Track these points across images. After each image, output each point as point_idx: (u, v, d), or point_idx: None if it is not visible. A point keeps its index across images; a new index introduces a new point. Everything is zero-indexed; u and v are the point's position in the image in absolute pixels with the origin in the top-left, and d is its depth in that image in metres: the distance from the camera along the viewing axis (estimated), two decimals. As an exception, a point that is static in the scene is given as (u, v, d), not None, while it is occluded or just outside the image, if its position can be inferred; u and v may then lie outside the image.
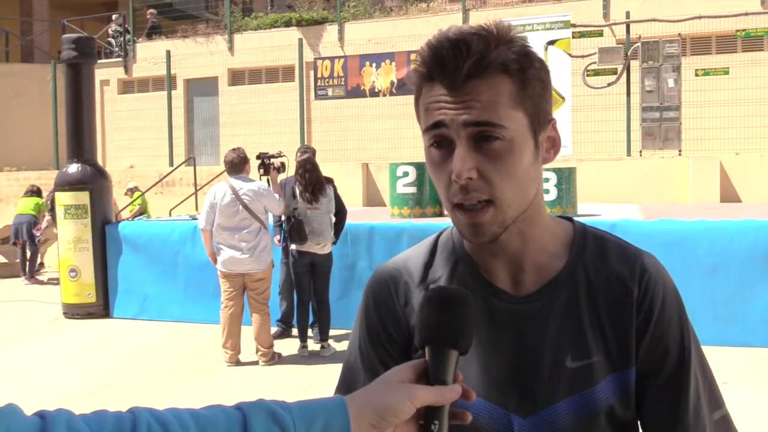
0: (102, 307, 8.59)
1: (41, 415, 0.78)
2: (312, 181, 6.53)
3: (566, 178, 8.21)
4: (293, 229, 6.49)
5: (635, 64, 12.25)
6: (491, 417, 1.04)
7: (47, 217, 11.96)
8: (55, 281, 11.99)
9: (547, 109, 1.01)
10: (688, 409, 1.02)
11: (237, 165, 6.45)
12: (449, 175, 0.96)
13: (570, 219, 1.14)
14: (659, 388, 1.03)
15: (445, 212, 6.28)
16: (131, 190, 12.60)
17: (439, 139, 0.97)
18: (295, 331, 7.08)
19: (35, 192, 12.45)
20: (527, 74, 0.97)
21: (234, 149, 6.58)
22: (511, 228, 1.00)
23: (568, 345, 1.03)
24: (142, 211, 11.89)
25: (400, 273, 1.14)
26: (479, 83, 0.94)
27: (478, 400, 1.03)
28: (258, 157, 6.89)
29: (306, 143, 14.02)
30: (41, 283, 11.86)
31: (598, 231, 1.12)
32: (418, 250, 1.17)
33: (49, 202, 11.76)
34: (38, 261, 12.28)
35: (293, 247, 6.62)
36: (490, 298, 1.06)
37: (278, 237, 7.22)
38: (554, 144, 1.04)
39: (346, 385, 1.12)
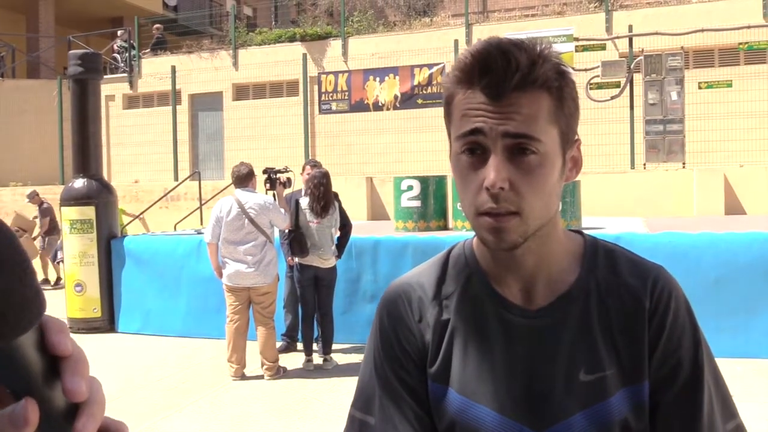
0: (107, 322, 8.60)
1: None
2: (324, 195, 6.55)
3: (570, 191, 8.20)
4: (294, 240, 6.53)
5: (638, 78, 12.29)
6: (505, 431, 1.04)
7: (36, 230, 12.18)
8: None
9: (575, 128, 1.03)
10: (702, 421, 1.03)
11: (244, 178, 6.49)
12: (479, 183, 0.96)
13: (580, 232, 1.15)
14: (673, 401, 1.03)
15: (450, 225, 6.25)
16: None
17: (473, 146, 0.98)
18: (300, 345, 7.09)
19: None
20: (564, 92, 0.99)
21: (241, 163, 6.65)
22: (528, 241, 1.01)
23: (581, 358, 1.04)
24: None
25: (413, 288, 1.13)
26: (521, 96, 0.95)
27: (492, 413, 1.04)
28: (264, 172, 6.92)
29: (310, 157, 14.07)
30: None
31: (609, 244, 1.13)
32: (429, 266, 1.17)
33: (43, 218, 11.94)
34: None
35: (297, 260, 6.65)
36: (503, 312, 1.07)
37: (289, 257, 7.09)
38: (576, 164, 1.06)
39: (362, 402, 1.12)
